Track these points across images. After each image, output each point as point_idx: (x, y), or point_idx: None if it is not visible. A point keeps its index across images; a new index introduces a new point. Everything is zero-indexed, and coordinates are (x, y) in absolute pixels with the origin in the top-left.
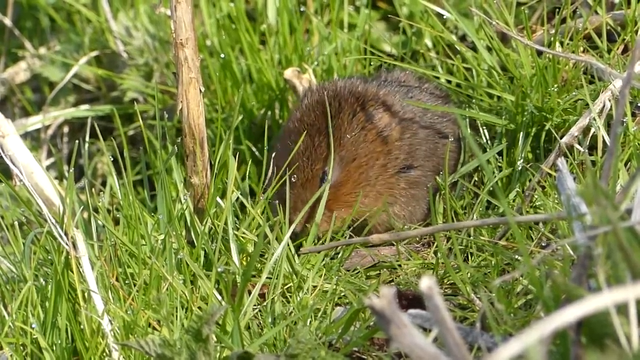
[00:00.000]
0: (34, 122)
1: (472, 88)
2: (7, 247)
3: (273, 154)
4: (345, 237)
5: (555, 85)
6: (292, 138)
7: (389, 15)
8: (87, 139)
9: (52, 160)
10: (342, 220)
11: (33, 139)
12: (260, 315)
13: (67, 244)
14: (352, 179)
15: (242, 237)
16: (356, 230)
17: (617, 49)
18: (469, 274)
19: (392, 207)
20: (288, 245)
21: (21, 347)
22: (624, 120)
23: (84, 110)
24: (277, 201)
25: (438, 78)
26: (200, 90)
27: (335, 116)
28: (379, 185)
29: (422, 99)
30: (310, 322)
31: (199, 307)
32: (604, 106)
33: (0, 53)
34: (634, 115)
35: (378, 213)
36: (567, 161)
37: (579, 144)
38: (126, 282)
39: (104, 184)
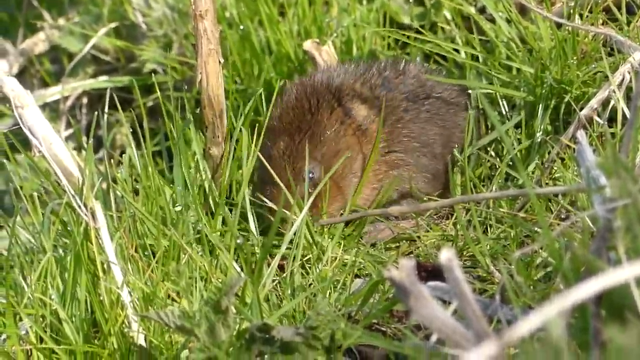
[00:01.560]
0: (53, 93)
1: (491, 60)
2: (26, 218)
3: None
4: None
5: (575, 58)
6: (272, 138)
7: None
8: (106, 110)
9: (70, 131)
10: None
11: (52, 110)
12: (280, 287)
13: (86, 215)
14: (336, 173)
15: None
16: None
17: (637, 21)
18: (488, 246)
19: (378, 190)
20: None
21: (40, 318)
22: None
23: (102, 81)
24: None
25: (457, 51)
26: (220, 62)
27: (315, 113)
28: (366, 174)
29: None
30: (329, 293)
31: (218, 279)
32: (623, 78)
33: (18, 24)
34: None
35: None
36: (586, 133)
37: (599, 116)
38: (145, 253)
39: (122, 155)
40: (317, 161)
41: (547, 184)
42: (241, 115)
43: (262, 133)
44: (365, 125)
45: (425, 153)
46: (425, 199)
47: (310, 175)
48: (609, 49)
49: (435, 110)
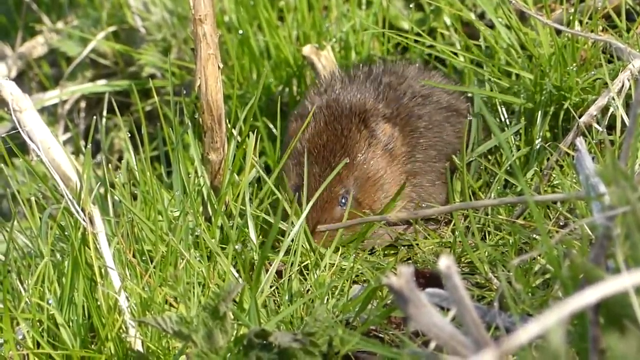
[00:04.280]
0: (51, 97)
1: (490, 66)
2: (23, 222)
3: (285, 172)
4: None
5: (574, 64)
6: (305, 160)
7: None
8: (104, 114)
9: (69, 135)
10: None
11: (50, 113)
12: (278, 292)
13: (84, 220)
14: (369, 197)
15: (259, 213)
16: None
17: (637, 28)
18: (486, 253)
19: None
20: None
21: (38, 323)
22: None
23: (101, 85)
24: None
25: (456, 55)
26: (219, 67)
27: (346, 136)
28: (391, 190)
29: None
30: (327, 300)
31: (216, 285)
32: (622, 85)
33: (17, 27)
34: None
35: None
36: (585, 140)
37: (598, 123)
38: (143, 258)
39: (120, 159)
40: (350, 186)
41: (545, 191)
42: (239, 120)
43: (284, 150)
44: (391, 144)
45: (440, 158)
46: (423, 205)
47: (344, 200)
48: (608, 55)
49: (445, 112)
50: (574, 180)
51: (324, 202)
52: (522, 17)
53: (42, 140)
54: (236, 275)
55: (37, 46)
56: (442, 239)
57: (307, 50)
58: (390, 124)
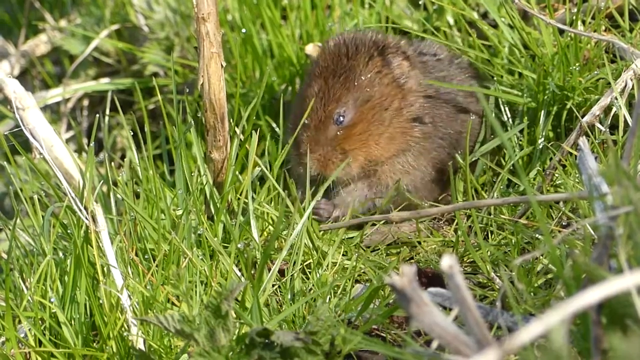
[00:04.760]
0: (54, 95)
1: (493, 65)
2: (26, 220)
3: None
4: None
5: (577, 64)
6: (308, 81)
7: None
8: (107, 112)
9: (71, 133)
10: (357, 163)
11: (53, 112)
12: (280, 291)
13: (86, 218)
14: (366, 119)
15: (261, 211)
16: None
17: (639, 28)
18: (489, 253)
19: (404, 155)
20: (308, 219)
21: (40, 321)
22: None
23: (104, 83)
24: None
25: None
26: (222, 65)
27: (352, 58)
28: (393, 128)
29: (451, 72)
30: (329, 299)
31: (219, 283)
32: (625, 85)
33: (20, 25)
34: None
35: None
36: (588, 140)
37: (601, 123)
38: (145, 257)
39: (123, 157)
40: (348, 105)
41: (548, 190)
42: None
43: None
44: (402, 80)
45: (449, 144)
46: (426, 205)
47: (341, 118)
48: (611, 55)
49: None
50: (577, 180)
51: (318, 121)
52: (525, 16)
53: (45, 138)
54: (238, 274)
55: (40, 44)
56: (445, 238)
57: (310, 49)
58: (410, 62)
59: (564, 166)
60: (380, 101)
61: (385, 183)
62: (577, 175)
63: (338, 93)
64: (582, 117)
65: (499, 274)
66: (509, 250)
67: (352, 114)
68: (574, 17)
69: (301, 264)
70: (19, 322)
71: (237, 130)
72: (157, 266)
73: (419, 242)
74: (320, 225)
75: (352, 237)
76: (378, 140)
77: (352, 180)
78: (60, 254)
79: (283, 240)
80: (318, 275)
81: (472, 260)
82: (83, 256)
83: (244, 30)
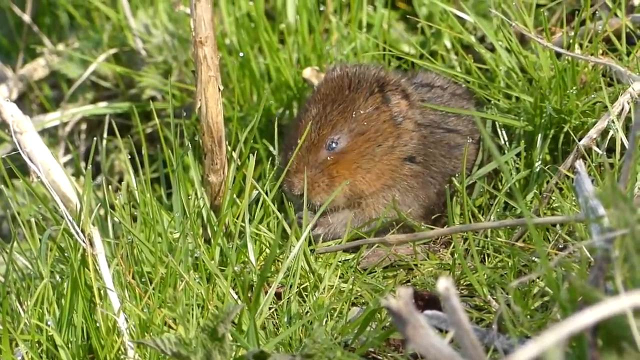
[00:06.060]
0: (52, 118)
1: (490, 89)
2: (23, 243)
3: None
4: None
5: (574, 88)
6: (306, 106)
7: (408, 16)
8: (104, 136)
9: (69, 157)
10: (342, 192)
11: (51, 135)
12: (276, 314)
13: (83, 241)
14: (358, 150)
15: (258, 234)
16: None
17: (637, 51)
18: (485, 275)
19: (390, 190)
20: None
21: (37, 344)
22: None
23: (102, 107)
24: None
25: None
26: (219, 89)
27: (353, 91)
28: (382, 164)
29: (445, 99)
30: (326, 322)
31: (215, 306)
32: (622, 108)
33: (18, 49)
34: None
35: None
36: (585, 163)
37: (597, 146)
38: (142, 280)
39: (121, 181)
40: (343, 133)
41: (545, 213)
42: (240, 143)
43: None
44: (399, 119)
45: (440, 182)
46: (422, 227)
47: (334, 144)
48: (608, 79)
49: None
50: (574, 203)
51: (311, 143)
52: (523, 40)
53: (43, 161)
54: (235, 296)
55: (38, 68)
56: (442, 260)
57: (307, 72)
58: (408, 101)
59: (560, 189)
60: (375, 136)
61: (369, 215)
62: (573, 198)
63: (335, 120)
64: (579, 140)
65: (495, 297)
66: (505, 273)
67: (345, 142)
68: (571, 41)
69: (298, 287)
70: (16, 345)
71: (235, 154)
72: (154, 289)
73: (416, 265)
74: (316, 249)
75: (348, 260)
76: (365, 175)
77: (336, 209)
78: (58, 277)
79: (280, 263)
80: (315, 298)
81: (468, 282)
82: (80, 279)
83: (241, 54)
